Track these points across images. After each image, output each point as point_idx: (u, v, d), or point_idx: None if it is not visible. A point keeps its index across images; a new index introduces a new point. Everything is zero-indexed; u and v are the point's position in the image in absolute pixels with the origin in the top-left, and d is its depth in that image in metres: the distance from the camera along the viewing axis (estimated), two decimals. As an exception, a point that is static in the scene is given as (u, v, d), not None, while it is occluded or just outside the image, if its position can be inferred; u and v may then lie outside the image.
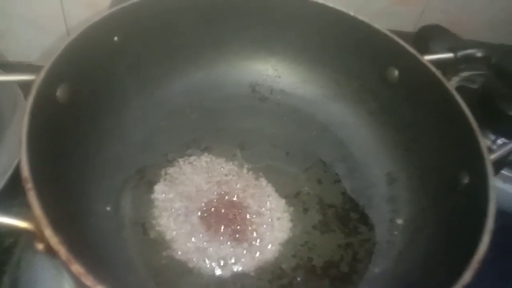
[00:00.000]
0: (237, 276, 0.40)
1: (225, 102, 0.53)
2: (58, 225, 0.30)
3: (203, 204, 0.44)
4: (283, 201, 0.46)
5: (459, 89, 0.61)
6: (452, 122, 0.41)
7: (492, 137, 0.57)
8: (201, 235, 0.42)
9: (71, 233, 0.32)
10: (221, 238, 0.42)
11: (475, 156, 0.38)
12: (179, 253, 0.41)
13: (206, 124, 0.51)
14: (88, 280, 0.27)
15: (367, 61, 0.49)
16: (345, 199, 0.47)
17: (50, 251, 0.29)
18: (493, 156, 0.40)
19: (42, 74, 0.36)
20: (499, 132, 0.56)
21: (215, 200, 0.45)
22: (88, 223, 0.39)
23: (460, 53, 0.46)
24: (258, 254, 0.42)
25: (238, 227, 0.43)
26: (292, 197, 0.46)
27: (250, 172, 0.48)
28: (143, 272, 0.39)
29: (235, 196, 0.45)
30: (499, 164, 0.51)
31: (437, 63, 0.46)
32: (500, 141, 0.56)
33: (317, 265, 0.42)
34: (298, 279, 0.41)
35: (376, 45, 0.47)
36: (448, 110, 0.42)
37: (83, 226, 0.38)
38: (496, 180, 0.55)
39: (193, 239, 0.42)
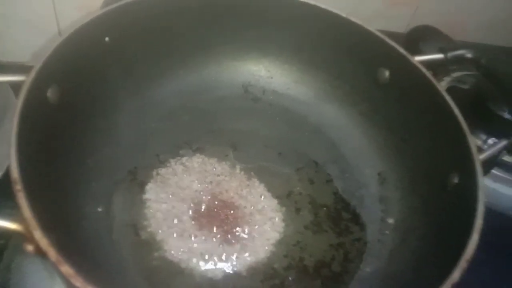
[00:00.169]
0: (229, 277, 0.40)
1: (218, 103, 0.53)
2: (48, 227, 0.29)
3: (195, 205, 0.44)
4: (275, 201, 0.46)
5: (450, 89, 0.61)
6: (442, 122, 0.42)
7: (483, 137, 0.57)
8: (193, 235, 0.42)
9: (61, 234, 0.32)
10: (213, 238, 0.42)
11: (464, 156, 0.38)
12: (171, 253, 0.41)
13: (198, 124, 0.51)
14: (77, 281, 0.27)
15: (359, 62, 0.49)
16: (337, 199, 0.47)
17: (40, 253, 0.29)
18: (483, 156, 0.40)
19: (32, 75, 0.36)
20: (490, 132, 0.57)
21: (207, 201, 0.45)
22: (79, 224, 0.39)
23: (450, 54, 0.46)
24: (250, 254, 0.42)
25: (230, 227, 0.43)
26: (284, 197, 0.46)
27: (242, 173, 0.48)
28: (135, 273, 0.39)
29: (227, 196, 0.45)
30: (490, 164, 0.52)
31: (427, 64, 0.46)
32: (491, 141, 0.57)
33: (309, 265, 0.42)
34: (290, 279, 0.41)
35: (368, 46, 0.47)
36: (438, 110, 0.42)
37: (74, 227, 0.38)
38: (487, 180, 0.56)
39: (185, 239, 0.42)
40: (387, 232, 0.44)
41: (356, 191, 0.48)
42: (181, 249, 0.41)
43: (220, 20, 0.51)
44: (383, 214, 0.46)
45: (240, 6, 0.50)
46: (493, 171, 0.57)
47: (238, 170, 0.48)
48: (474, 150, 0.38)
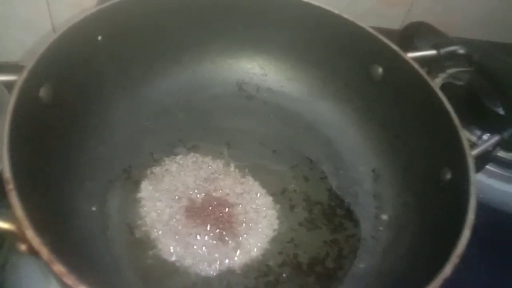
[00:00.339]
0: (223, 274, 0.40)
1: (212, 101, 0.53)
2: (41, 226, 0.30)
3: (189, 203, 0.44)
4: (270, 198, 0.46)
5: (445, 86, 0.62)
6: (435, 118, 0.42)
7: (478, 133, 0.57)
8: (187, 234, 0.42)
9: (55, 234, 0.32)
10: (208, 236, 0.42)
11: (457, 152, 0.38)
12: (166, 252, 0.41)
13: (193, 123, 0.51)
14: (70, 279, 0.27)
15: (352, 59, 0.49)
16: (331, 196, 0.47)
17: (33, 252, 0.29)
18: (475, 152, 0.40)
19: (24, 74, 0.36)
20: (484, 128, 0.57)
21: (201, 199, 0.45)
22: (73, 223, 0.39)
23: (443, 50, 0.46)
24: (244, 251, 0.42)
25: (225, 225, 0.43)
26: (279, 195, 0.47)
27: (237, 170, 0.48)
28: (129, 271, 0.39)
29: (222, 194, 0.46)
30: (484, 160, 0.52)
31: (421, 60, 0.46)
32: (485, 136, 0.57)
33: (303, 261, 0.42)
34: (284, 275, 0.41)
35: (361, 43, 0.47)
36: (430, 106, 0.42)
37: (68, 226, 0.38)
38: (481, 175, 0.56)
39: (179, 238, 0.42)
40: (381, 228, 0.44)
41: (350, 188, 0.48)
42: (176, 248, 0.41)
43: (214, 18, 0.51)
44: (377, 211, 0.46)
45: (233, 4, 0.50)
46: (488, 166, 0.57)
47: (232, 168, 0.48)
48: (466, 145, 0.38)
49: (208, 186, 0.46)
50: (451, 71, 0.63)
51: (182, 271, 0.40)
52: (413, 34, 0.66)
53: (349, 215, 0.46)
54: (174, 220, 0.43)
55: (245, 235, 0.43)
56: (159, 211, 0.43)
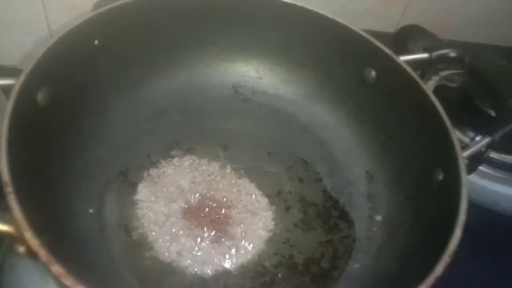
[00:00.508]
0: (219, 275, 0.41)
1: (208, 104, 0.54)
2: (39, 228, 0.30)
3: (186, 205, 0.45)
4: (265, 200, 0.47)
5: (438, 88, 0.62)
6: (427, 120, 0.42)
7: (471, 134, 0.58)
8: (184, 235, 0.43)
9: (53, 235, 0.32)
10: (204, 237, 0.43)
11: (448, 153, 0.39)
12: (162, 253, 0.41)
13: (189, 125, 0.51)
14: (68, 280, 0.28)
15: (346, 62, 0.50)
16: (326, 197, 0.48)
17: (31, 254, 0.30)
18: (467, 153, 0.41)
19: (22, 78, 0.37)
20: (477, 129, 0.57)
21: (198, 201, 0.45)
22: (71, 225, 0.39)
23: (435, 53, 0.47)
24: (240, 252, 0.43)
25: (221, 226, 0.44)
26: (274, 196, 0.47)
27: (233, 172, 0.48)
28: (127, 272, 0.40)
29: (218, 196, 0.46)
30: (476, 161, 0.53)
31: (414, 63, 0.47)
32: (478, 138, 0.58)
33: (298, 262, 0.43)
34: (280, 276, 0.42)
35: (354, 46, 0.48)
36: (423, 109, 0.43)
37: (66, 228, 0.38)
38: (474, 176, 0.57)
39: (176, 239, 0.42)
40: (375, 229, 0.45)
41: (345, 189, 0.49)
42: (173, 249, 0.42)
43: (209, 22, 0.51)
44: (371, 211, 0.46)
45: (228, 8, 0.50)
46: (481, 167, 0.58)
47: (228, 170, 0.48)
48: (457, 147, 0.39)
49: (205, 188, 0.46)
50: (444, 73, 0.64)
51: (179, 272, 0.41)
52: (406, 37, 0.67)
53: (344, 216, 0.47)
54: (171, 221, 0.43)
55: (241, 236, 0.43)
56: (156, 213, 0.43)
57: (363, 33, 0.47)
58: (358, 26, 0.48)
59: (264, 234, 0.44)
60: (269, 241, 0.44)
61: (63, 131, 0.42)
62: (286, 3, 0.49)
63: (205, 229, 0.43)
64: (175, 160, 0.48)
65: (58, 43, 0.40)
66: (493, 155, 0.57)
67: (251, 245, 0.43)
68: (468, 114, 0.57)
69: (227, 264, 0.42)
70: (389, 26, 0.72)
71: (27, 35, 0.62)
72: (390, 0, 0.69)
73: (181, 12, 0.49)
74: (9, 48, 0.63)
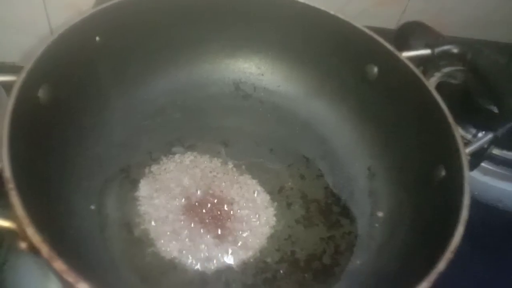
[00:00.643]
0: (221, 271, 0.41)
1: (209, 100, 0.54)
2: (41, 224, 0.30)
3: (187, 201, 0.45)
4: (267, 196, 0.47)
5: (441, 84, 0.62)
6: (429, 117, 0.42)
7: (473, 131, 0.58)
8: (185, 231, 0.43)
9: (54, 232, 0.32)
10: (206, 234, 0.43)
11: (450, 150, 0.39)
12: (164, 250, 0.41)
13: (190, 122, 0.51)
14: (70, 276, 0.28)
15: (348, 59, 0.50)
16: (328, 194, 0.48)
17: (33, 250, 0.30)
18: (469, 150, 0.41)
19: (23, 75, 0.36)
20: (479, 125, 0.57)
21: (199, 197, 0.45)
22: (72, 221, 0.39)
23: (437, 50, 0.47)
24: (242, 249, 0.43)
25: (223, 223, 0.44)
26: (276, 193, 0.47)
27: (235, 169, 0.48)
28: (128, 269, 0.40)
29: (220, 193, 0.46)
30: (479, 157, 0.52)
31: (416, 59, 0.47)
32: (481, 134, 0.58)
33: (300, 258, 0.43)
34: (282, 272, 0.42)
35: (356, 42, 0.48)
36: (425, 105, 0.43)
37: (67, 224, 0.38)
38: (477, 173, 0.57)
39: (177, 236, 0.42)
40: (376, 225, 0.45)
41: (346, 185, 0.48)
42: (174, 245, 0.42)
43: (210, 19, 0.51)
44: (372, 208, 0.46)
45: (230, 5, 0.50)
46: (483, 164, 0.57)
47: (230, 167, 0.48)
48: (460, 143, 0.39)
49: (206, 184, 0.46)
50: (446, 70, 0.64)
51: (180, 268, 0.41)
52: (408, 33, 0.67)
53: (345, 212, 0.47)
54: (172, 218, 0.43)
55: (242, 233, 0.43)
56: (157, 210, 0.43)
57: (365, 29, 0.47)
58: (359, 22, 0.48)
59: (265, 230, 0.44)
60: (271, 237, 0.44)
61: (65, 128, 0.42)
62: (288, 0, 0.49)
63: (206, 226, 0.43)
64: (177, 157, 0.48)
65: (59, 40, 0.40)
66: (496, 151, 0.57)
67: (253, 242, 0.43)
68: (471, 111, 0.57)
69: (229, 261, 0.42)
70: (390, 24, 0.72)
71: (28, 33, 0.62)
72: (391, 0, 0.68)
73: (182, 9, 0.49)
74: (10, 46, 0.63)
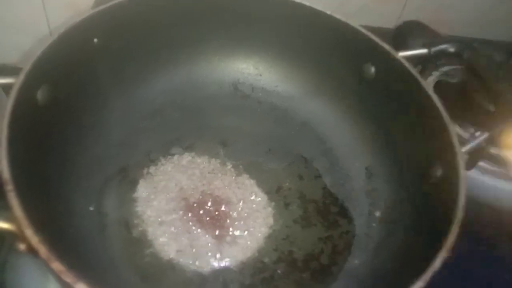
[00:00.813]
0: (219, 271, 0.41)
1: (208, 100, 0.54)
2: (40, 225, 0.30)
3: (186, 202, 0.45)
4: (265, 196, 0.47)
5: (439, 83, 0.62)
6: (426, 116, 0.42)
7: (471, 129, 0.58)
8: (184, 232, 0.43)
9: (53, 233, 0.32)
10: (204, 234, 0.43)
11: (447, 149, 0.39)
12: (162, 250, 0.41)
13: (188, 122, 0.51)
14: (68, 277, 0.28)
15: (345, 58, 0.50)
16: (325, 194, 0.48)
17: (32, 251, 0.30)
18: (466, 148, 0.41)
19: (21, 77, 0.37)
20: (477, 124, 0.57)
21: (198, 198, 0.45)
22: (71, 222, 0.39)
23: (434, 49, 0.47)
24: (240, 249, 0.43)
25: (221, 223, 0.44)
26: (274, 193, 0.47)
27: (233, 169, 0.48)
28: (127, 269, 0.40)
29: (218, 193, 0.46)
30: (476, 156, 0.53)
31: (413, 58, 0.47)
32: (478, 133, 0.58)
33: (298, 258, 0.43)
34: (279, 272, 0.42)
35: (353, 42, 0.48)
36: (422, 104, 0.43)
37: (66, 225, 0.38)
38: (475, 172, 0.57)
39: (176, 236, 0.42)
40: (374, 224, 0.45)
41: (344, 185, 0.49)
42: (173, 246, 0.42)
43: (209, 19, 0.51)
44: (370, 207, 0.47)
45: (227, 5, 0.50)
46: (481, 163, 0.58)
47: (228, 167, 0.49)
48: (456, 142, 0.39)
49: (204, 184, 0.46)
50: (444, 69, 0.64)
51: (178, 268, 0.41)
52: (406, 33, 0.67)
53: (343, 212, 0.47)
54: (171, 218, 0.43)
55: (240, 233, 0.44)
56: (155, 210, 0.44)
57: (362, 29, 0.47)
58: (357, 22, 0.48)
59: (263, 230, 0.44)
60: (269, 237, 0.44)
61: (63, 129, 0.42)
62: (285, 0, 0.49)
63: (204, 226, 0.44)
64: (175, 157, 0.48)
65: (57, 42, 0.40)
66: (494, 150, 0.57)
67: (251, 242, 0.43)
68: (468, 110, 0.57)
69: (227, 261, 0.42)
70: (389, 22, 0.72)
71: (27, 34, 0.62)
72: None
73: (180, 9, 0.50)
74: (9, 47, 0.63)
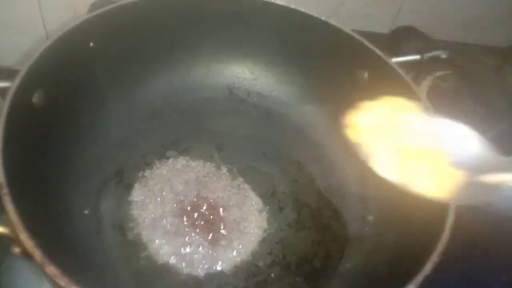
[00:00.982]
0: (213, 275, 0.42)
1: (203, 104, 0.54)
2: (35, 229, 0.30)
3: (180, 205, 0.45)
4: (259, 200, 0.47)
5: (433, 87, 0.63)
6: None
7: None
8: (178, 235, 0.43)
9: (48, 236, 0.33)
10: (198, 237, 0.43)
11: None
12: (157, 253, 0.42)
13: (184, 126, 0.52)
14: (62, 281, 0.28)
15: (339, 64, 0.50)
16: (319, 198, 0.48)
17: (27, 255, 0.30)
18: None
19: (17, 81, 0.37)
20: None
21: (192, 201, 0.46)
22: (66, 226, 0.39)
23: (427, 55, 0.47)
24: (234, 252, 0.43)
25: (215, 227, 0.44)
26: (268, 196, 0.48)
27: (228, 173, 0.49)
28: (122, 272, 0.40)
29: (213, 197, 0.47)
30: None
31: (406, 64, 0.48)
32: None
33: (291, 261, 0.43)
34: (273, 275, 0.42)
35: (346, 48, 0.48)
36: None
37: (61, 229, 0.39)
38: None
39: (171, 239, 0.43)
40: (367, 229, 0.46)
41: (338, 189, 0.49)
42: (167, 249, 0.42)
43: (205, 24, 0.52)
44: (363, 212, 0.47)
45: (222, 10, 0.51)
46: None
47: (223, 171, 0.49)
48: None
49: (199, 188, 0.47)
50: (438, 73, 0.65)
51: (173, 272, 0.41)
52: (401, 38, 0.68)
53: (337, 216, 0.47)
54: (166, 222, 0.44)
55: (235, 236, 0.44)
56: (150, 214, 0.44)
57: (355, 35, 0.47)
58: (353, 27, 0.48)
59: (257, 234, 0.45)
60: (263, 241, 0.44)
61: (59, 132, 0.42)
62: (280, 6, 0.49)
63: (199, 230, 0.44)
64: (170, 161, 0.49)
65: (53, 46, 0.41)
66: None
67: (245, 245, 0.44)
68: (461, 114, 0.57)
69: (221, 264, 0.42)
70: (384, 27, 0.72)
71: (24, 35, 0.62)
72: (382, 2, 0.69)
73: (177, 15, 0.50)
74: (6, 49, 0.63)
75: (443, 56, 0.47)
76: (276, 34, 0.52)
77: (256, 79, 0.56)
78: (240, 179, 0.49)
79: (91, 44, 0.45)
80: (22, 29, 0.62)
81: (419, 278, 0.32)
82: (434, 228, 0.36)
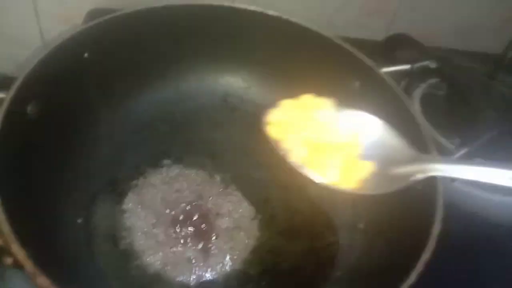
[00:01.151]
0: (205, 284, 0.42)
1: (197, 113, 0.55)
2: (27, 239, 0.31)
3: (173, 214, 0.46)
4: (251, 208, 0.48)
5: (425, 95, 0.63)
6: (407, 128, 0.43)
7: (458, 142, 0.59)
8: (171, 244, 0.44)
9: (40, 246, 0.33)
10: (190, 246, 0.44)
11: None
12: (150, 263, 0.42)
13: (177, 135, 0.52)
14: (53, 292, 0.29)
15: (331, 73, 0.51)
16: (311, 206, 0.49)
17: (18, 266, 0.31)
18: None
19: (12, 92, 0.38)
20: (462, 136, 0.58)
21: (185, 210, 0.46)
22: (59, 235, 0.40)
23: (416, 65, 0.48)
24: (226, 261, 0.44)
25: (208, 235, 0.45)
26: (261, 204, 0.48)
27: (220, 181, 0.49)
28: (114, 282, 0.41)
29: (206, 205, 0.47)
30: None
31: (397, 73, 0.48)
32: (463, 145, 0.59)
33: (283, 269, 0.44)
34: (264, 283, 0.43)
35: (338, 58, 0.49)
36: (403, 119, 0.44)
37: (54, 238, 0.39)
38: (459, 183, 0.57)
39: (163, 249, 0.43)
40: (357, 236, 0.46)
41: (330, 197, 0.49)
42: (159, 258, 0.43)
43: (198, 34, 0.52)
44: (354, 220, 0.47)
45: (216, 20, 0.51)
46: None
47: (216, 179, 0.49)
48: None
49: (192, 197, 0.47)
50: (431, 81, 0.65)
51: (165, 281, 0.42)
52: (394, 46, 0.68)
53: (328, 223, 0.48)
54: (158, 231, 0.44)
55: (226, 245, 0.44)
56: (143, 223, 0.44)
57: (346, 45, 0.48)
58: (347, 35, 0.49)
59: (249, 242, 0.45)
60: (254, 249, 0.45)
61: (52, 143, 0.42)
62: (272, 16, 0.50)
63: (191, 238, 0.44)
64: (163, 170, 0.49)
65: (48, 57, 0.41)
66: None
67: (237, 254, 0.44)
68: (454, 122, 0.58)
69: (213, 273, 0.43)
70: (378, 35, 0.73)
71: (20, 45, 0.63)
72: (376, 10, 0.70)
73: (170, 25, 0.50)
74: (3, 59, 0.64)
75: (432, 66, 0.48)
76: (269, 43, 0.52)
77: (249, 88, 0.57)
78: (233, 187, 0.49)
79: (86, 54, 0.46)
80: (18, 39, 0.63)
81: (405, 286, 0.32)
82: (421, 236, 0.36)
